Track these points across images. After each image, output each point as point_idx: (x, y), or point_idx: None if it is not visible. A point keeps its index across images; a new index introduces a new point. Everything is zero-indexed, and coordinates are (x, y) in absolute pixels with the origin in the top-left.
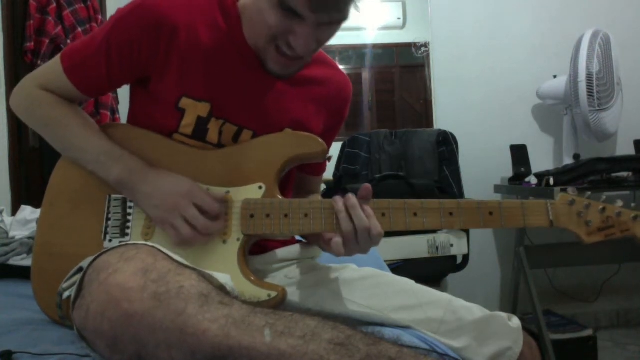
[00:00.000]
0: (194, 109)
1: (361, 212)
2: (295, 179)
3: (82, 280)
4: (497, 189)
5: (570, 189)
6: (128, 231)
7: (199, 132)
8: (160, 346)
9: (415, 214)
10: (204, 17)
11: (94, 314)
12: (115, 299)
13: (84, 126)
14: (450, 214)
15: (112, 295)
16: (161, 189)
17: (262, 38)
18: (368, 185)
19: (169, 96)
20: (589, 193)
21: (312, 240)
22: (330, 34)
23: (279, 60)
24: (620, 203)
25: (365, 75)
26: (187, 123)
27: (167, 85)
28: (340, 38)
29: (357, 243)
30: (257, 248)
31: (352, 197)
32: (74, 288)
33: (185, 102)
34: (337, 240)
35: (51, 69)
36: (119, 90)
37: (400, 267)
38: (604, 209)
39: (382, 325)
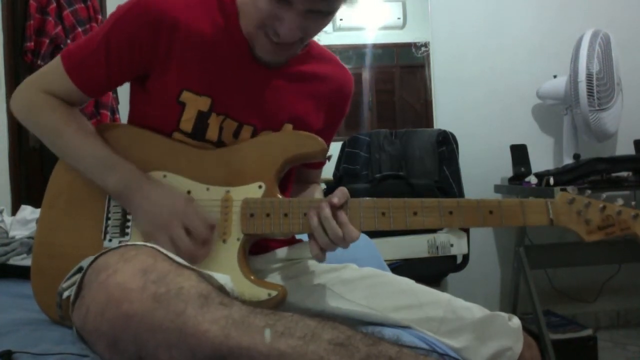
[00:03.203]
0: (194, 103)
1: (333, 223)
2: (295, 172)
3: (81, 280)
4: (497, 188)
5: (570, 188)
6: (128, 230)
7: (200, 128)
8: (160, 347)
9: (415, 213)
10: (202, 13)
11: (93, 314)
12: (115, 300)
13: (78, 132)
14: (450, 212)
15: (112, 296)
16: (156, 204)
17: (252, 24)
18: (340, 193)
19: (170, 90)
20: (589, 192)
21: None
22: (317, 26)
23: (266, 45)
24: (620, 202)
25: (365, 75)
26: (188, 118)
27: (168, 81)
28: (340, 38)
29: (336, 246)
30: (257, 248)
31: (325, 208)
32: (74, 288)
33: (186, 95)
34: (315, 249)
35: (52, 70)
36: (119, 90)
37: (400, 267)
38: (604, 208)
39: (382, 325)
